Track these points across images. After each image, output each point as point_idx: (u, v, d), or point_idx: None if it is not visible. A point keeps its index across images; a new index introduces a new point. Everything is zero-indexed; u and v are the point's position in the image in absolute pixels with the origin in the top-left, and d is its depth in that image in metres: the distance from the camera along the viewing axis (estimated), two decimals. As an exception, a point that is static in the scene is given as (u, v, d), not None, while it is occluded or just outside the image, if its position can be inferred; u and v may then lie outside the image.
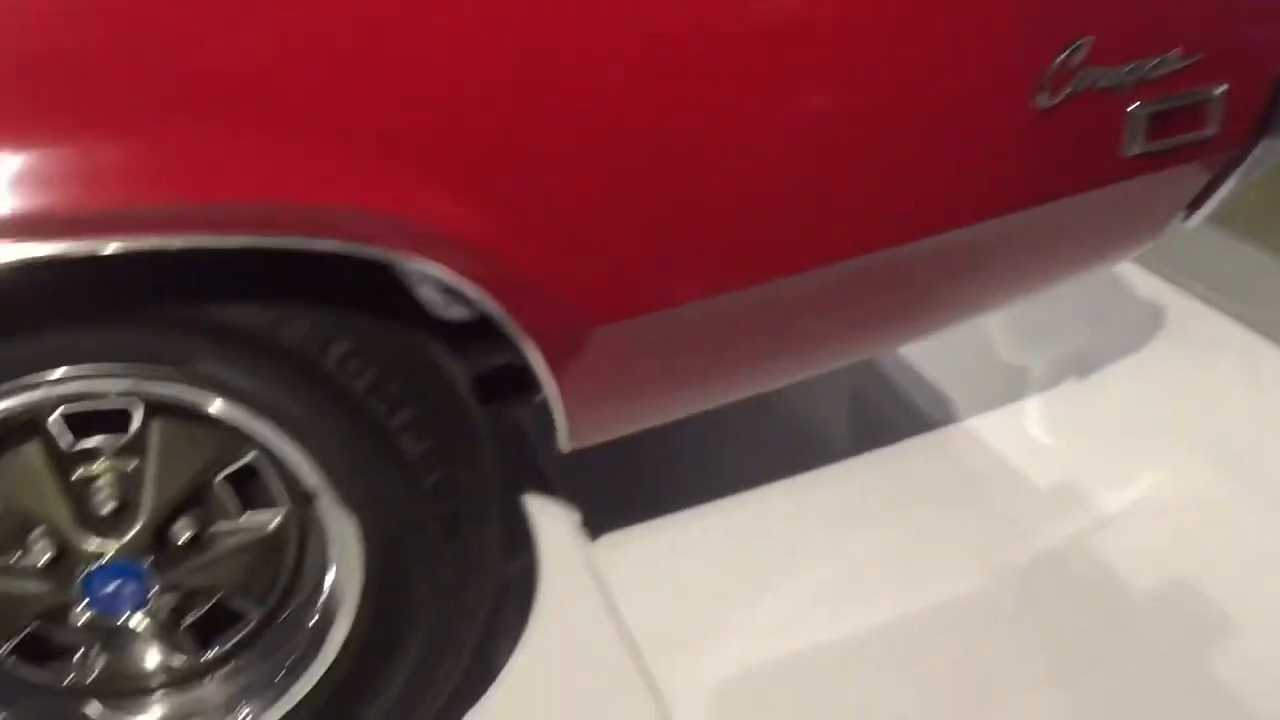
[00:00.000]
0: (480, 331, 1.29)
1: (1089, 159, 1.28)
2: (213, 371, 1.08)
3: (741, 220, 1.17)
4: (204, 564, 1.20)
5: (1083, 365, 2.10)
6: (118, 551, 1.16)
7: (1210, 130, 1.34)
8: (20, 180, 0.91)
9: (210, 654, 1.26)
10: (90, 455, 1.15)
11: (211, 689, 1.26)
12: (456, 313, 1.30)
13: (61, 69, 0.92)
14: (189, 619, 1.24)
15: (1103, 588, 1.64)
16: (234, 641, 1.26)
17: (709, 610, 1.61)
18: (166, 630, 1.23)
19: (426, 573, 1.21)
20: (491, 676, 1.48)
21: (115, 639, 1.24)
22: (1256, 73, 1.35)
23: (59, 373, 1.06)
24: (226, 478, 1.19)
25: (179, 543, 1.18)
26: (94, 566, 1.15)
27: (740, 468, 1.85)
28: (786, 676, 1.52)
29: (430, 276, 1.10)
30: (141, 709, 1.25)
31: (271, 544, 1.23)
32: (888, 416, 2.00)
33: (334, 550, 1.20)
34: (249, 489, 1.21)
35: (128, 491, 1.15)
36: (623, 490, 1.81)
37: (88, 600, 1.17)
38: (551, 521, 1.74)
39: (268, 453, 1.16)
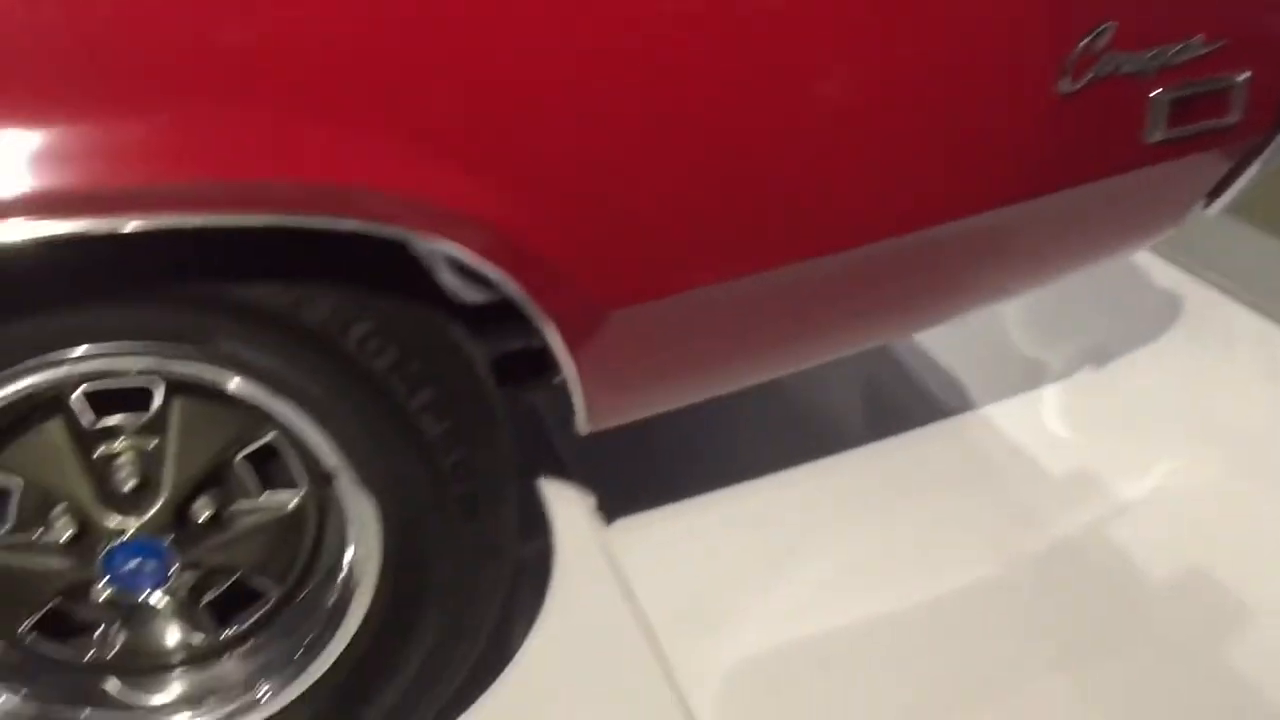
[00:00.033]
0: (497, 315, 1.30)
1: (1111, 145, 1.27)
2: (234, 351, 1.09)
3: (762, 203, 1.16)
4: (223, 542, 1.21)
5: (1100, 354, 2.10)
6: (139, 529, 1.16)
7: (1232, 117, 1.33)
8: (42, 157, 0.91)
9: (229, 632, 1.27)
10: (112, 433, 1.15)
11: (230, 666, 1.27)
12: (473, 296, 1.30)
13: (84, 45, 0.92)
14: (208, 597, 1.24)
15: (1118, 576, 1.63)
16: (253, 620, 1.27)
17: (724, 594, 1.61)
18: (186, 608, 1.24)
19: (445, 553, 1.21)
20: (507, 658, 1.49)
21: (135, 616, 1.24)
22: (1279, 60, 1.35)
23: (81, 350, 1.07)
24: (246, 457, 1.19)
25: (199, 521, 1.19)
26: (115, 543, 1.16)
27: (755, 454, 1.85)
28: (800, 661, 1.52)
29: (451, 257, 1.10)
30: (161, 686, 1.26)
31: (290, 524, 1.23)
32: (903, 404, 1.99)
33: (353, 530, 1.20)
34: (268, 469, 1.21)
35: (149, 469, 1.16)
36: (638, 475, 1.82)
37: (109, 577, 1.17)
38: (567, 505, 1.75)
39: (287, 432, 1.17)
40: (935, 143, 1.20)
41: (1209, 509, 1.75)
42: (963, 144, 1.21)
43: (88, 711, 1.23)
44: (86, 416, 1.13)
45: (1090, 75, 1.21)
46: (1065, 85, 1.20)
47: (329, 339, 1.10)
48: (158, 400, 1.13)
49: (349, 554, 1.22)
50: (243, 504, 1.21)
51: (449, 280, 1.21)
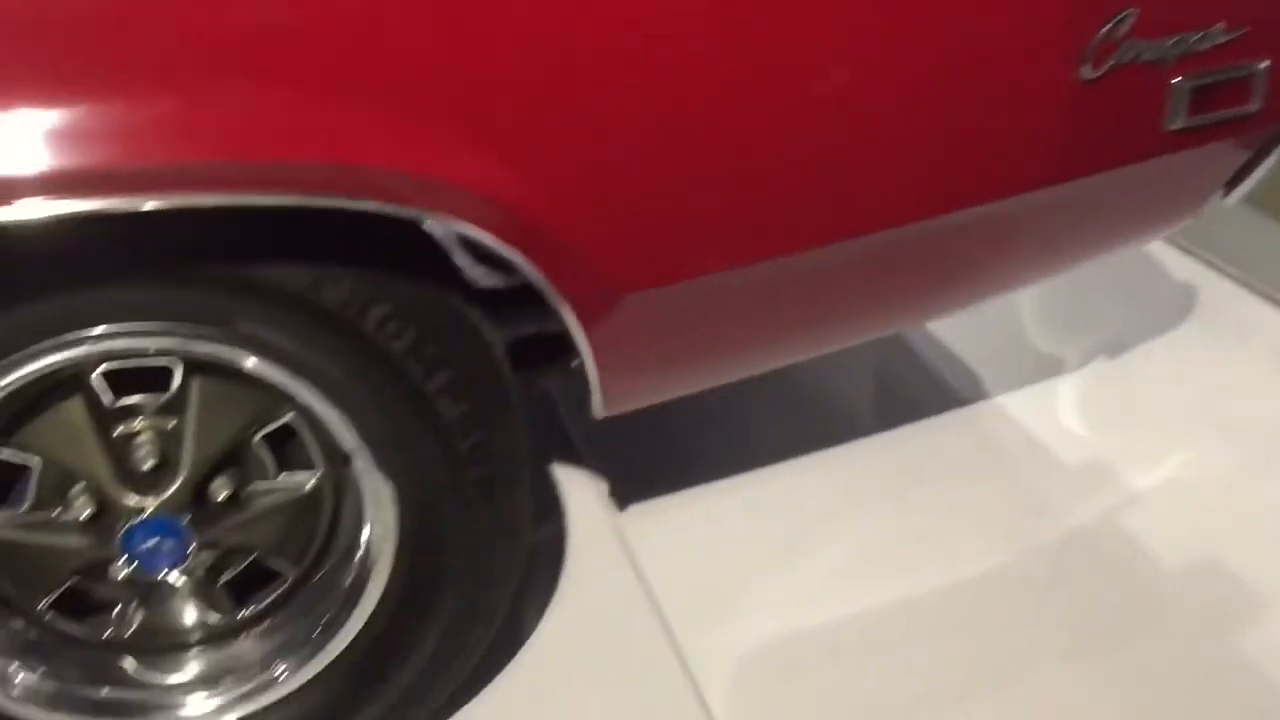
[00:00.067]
0: (511, 299, 1.31)
1: (1130, 132, 1.27)
2: (254, 331, 1.09)
3: (781, 189, 1.16)
4: (241, 522, 1.22)
5: (1114, 344, 2.09)
6: (157, 507, 1.17)
7: (1253, 106, 1.33)
8: (63, 136, 0.92)
9: (246, 612, 1.27)
10: (131, 412, 1.16)
11: (247, 646, 1.28)
12: (488, 280, 1.31)
13: (106, 24, 0.92)
14: (225, 577, 1.25)
15: (1131, 566, 1.63)
16: (270, 600, 1.27)
17: (736, 580, 1.62)
18: (203, 588, 1.25)
19: (461, 535, 1.22)
20: (520, 642, 1.49)
21: (153, 595, 1.25)
22: (1301, 49, 1.34)
23: (102, 329, 1.07)
24: (264, 438, 1.20)
25: (217, 500, 1.19)
26: (134, 522, 1.17)
27: (769, 441, 1.85)
28: (813, 648, 1.52)
29: (467, 240, 1.11)
30: (178, 665, 1.27)
31: (307, 504, 1.24)
32: (917, 393, 1.99)
33: (370, 511, 1.21)
34: (286, 452, 1.22)
35: (167, 449, 1.17)
36: (651, 461, 1.82)
37: (127, 555, 1.18)
38: (580, 491, 1.75)
39: (305, 414, 1.17)
40: (956, 129, 1.20)
41: (1222, 500, 1.75)
42: (983, 130, 1.21)
43: (106, 690, 1.24)
44: (106, 396, 1.13)
45: (1111, 62, 1.20)
46: (1086, 72, 1.20)
47: (348, 320, 1.10)
48: (177, 380, 1.14)
49: (365, 534, 1.22)
50: (260, 484, 1.22)
51: (464, 264, 1.21)
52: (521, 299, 1.31)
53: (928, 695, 1.45)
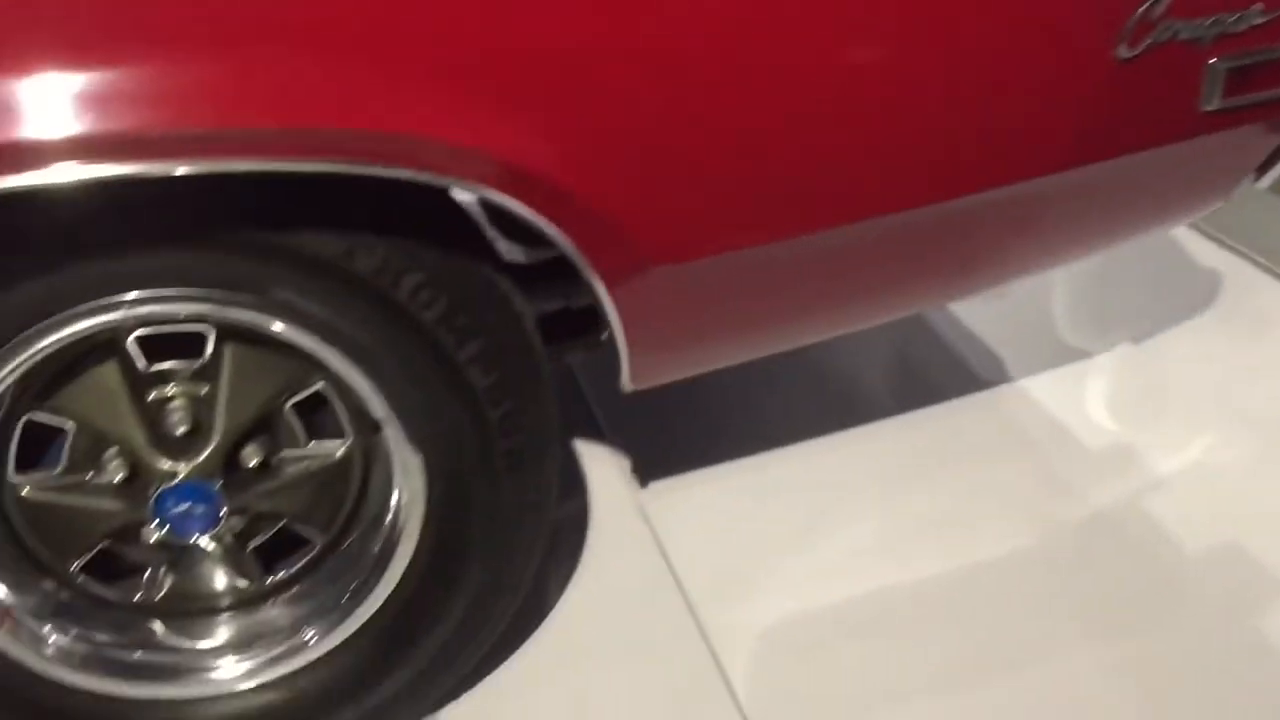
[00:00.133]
0: (537, 275, 1.31)
1: (1165, 113, 1.27)
2: (287, 298, 1.10)
3: (815, 165, 1.16)
4: (271, 489, 1.23)
5: (1138, 328, 2.09)
6: (189, 472, 1.18)
7: (1288, 89, 1.32)
8: (100, 101, 0.92)
9: (275, 578, 1.28)
10: (164, 378, 1.17)
11: (277, 612, 1.29)
12: (516, 255, 1.31)
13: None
14: (254, 543, 1.26)
15: (1154, 550, 1.63)
16: (298, 566, 1.28)
17: (758, 559, 1.62)
18: (232, 553, 1.26)
19: (488, 505, 1.23)
20: (543, 615, 1.50)
21: (183, 559, 1.26)
22: (1338, 32, 1.33)
23: (137, 295, 1.08)
24: (294, 406, 1.20)
25: (248, 467, 1.20)
26: (166, 486, 1.18)
27: (791, 421, 1.86)
28: (833, 626, 1.53)
29: (496, 209, 1.11)
30: (208, 631, 1.28)
31: (336, 473, 1.25)
32: (941, 376, 1.99)
33: (398, 479, 1.21)
34: (316, 419, 1.23)
35: (200, 415, 1.18)
36: (674, 439, 1.82)
37: (159, 519, 1.19)
38: (602, 468, 1.76)
39: (336, 382, 1.18)
40: (990, 107, 1.19)
41: (1245, 485, 1.74)
42: (1017, 109, 1.21)
43: (139, 654, 1.25)
44: (140, 361, 1.14)
45: (1148, 41, 1.20)
46: (1122, 51, 1.19)
47: (381, 289, 1.10)
48: (210, 347, 1.15)
49: (394, 502, 1.23)
50: (290, 452, 1.23)
51: (494, 237, 1.22)
52: (548, 274, 1.32)
53: (947, 676, 1.46)
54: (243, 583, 1.28)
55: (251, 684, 1.26)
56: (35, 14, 0.92)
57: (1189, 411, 1.92)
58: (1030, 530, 1.66)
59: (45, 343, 1.09)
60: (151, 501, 1.18)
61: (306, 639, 1.26)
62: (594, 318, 1.29)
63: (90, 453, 1.18)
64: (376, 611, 1.24)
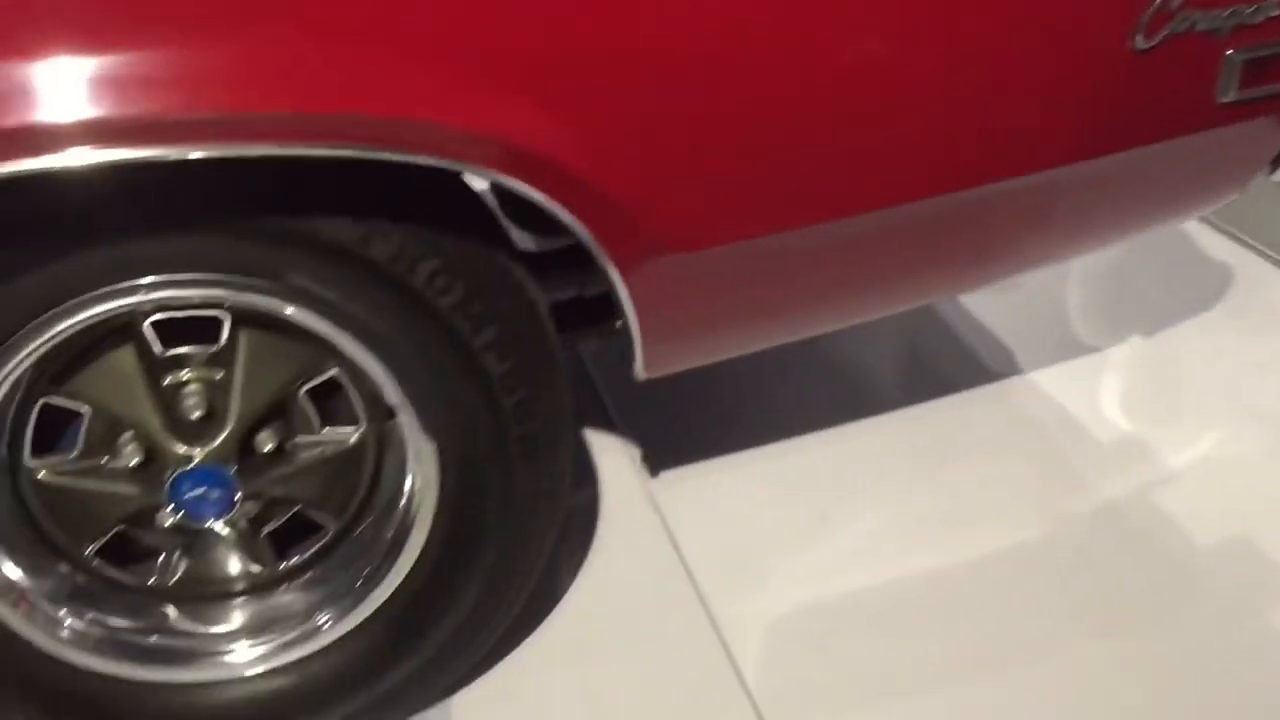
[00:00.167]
0: (550, 263, 1.31)
1: (1182, 104, 1.27)
2: (303, 284, 1.10)
3: (829, 154, 1.16)
4: (285, 475, 1.23)
5: (1148, 322, 2.09)
6: (204, 457, 1.18)
7: (1305, 81, 1.32)
8: (115, 85, 0.92)
9: (288, 563, 1.29)
10: (180, 362, 1.17)
11: (290, 597, 1.29)
12: (528, 243, 1.31)
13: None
14: (268, 528, 1.27)
15: (1163, 544, 1.63)
16: (312, 551, 1.29)
17: (768, 549, 1.62)
18: (246, 539, 1.26)
19: (502, 492, 1.23)
20: (554, 604, 1.50)
21: (197, 544, 1.27)
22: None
23: (152, 279, 1.08)
24: (308, 392, 1.21)
25: (263, 452, 1.21)
26: (181, 470, 1.18)
27: (801, 412, 1.86)
28: (843, 617, 1.53)
29: (510, 195, 1.11)
30: (221, 616, 1.29)
31: (350, 459, 1.25)
32: (951, 367, 1.99)
33: (412, 466, 1.22)
34: (330, 406, 1.23)
35: (215, 400, 1.18)
36: (685, 429, 1.83)
37: (174, 503, 1.20)
38: (613, 458, 1.76)
39: (350, 368, 1.18)
40: (1006, 97, 1.19)
41: (1255, 480, 1.74)
42: (1033, 99, 1.20)
43: (154, 638, 1.26)
44: (156, 346, 1.15)
45: (1165, 32, 1.20)
46: (1139, 42, 1.19)
47: (397, 275, 1.10)
48: (225, 332, 1.15)
49: (407, 488, 1.23)
50: (305, 437, 1.23)
51: (507, 225, 1.22)
52: (561, 262, 1.33)
53: (957, 667, 1.46)
54: (256, 568, 1.28)
55: (264, 669, 1.27)
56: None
57: (1199, 406, 1.92)
58: (1040, 524, 1.66)
59: (62, 327, 1.09)
60: (167, 486, 1.19)
61: (320, 624, 1.26)
62: (607, 306, 1.29)
63: (106, 437, 1.19)
64: (389, 598, 1.25)
